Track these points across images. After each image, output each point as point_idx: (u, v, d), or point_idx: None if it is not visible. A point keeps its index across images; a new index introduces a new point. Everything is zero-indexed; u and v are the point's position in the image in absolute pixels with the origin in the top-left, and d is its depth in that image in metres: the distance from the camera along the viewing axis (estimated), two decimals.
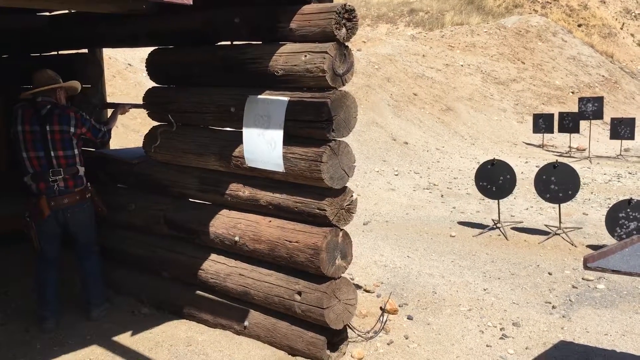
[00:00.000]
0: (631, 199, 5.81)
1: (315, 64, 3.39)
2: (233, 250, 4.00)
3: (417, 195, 8.86)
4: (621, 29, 26.59)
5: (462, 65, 16.94)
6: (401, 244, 6.42)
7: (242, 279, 3.94)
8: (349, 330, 4.01)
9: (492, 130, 14.11)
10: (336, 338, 3.83)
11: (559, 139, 13.96)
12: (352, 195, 3.69)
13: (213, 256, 4.16)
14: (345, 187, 3.64)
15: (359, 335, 4.09)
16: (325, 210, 3.53)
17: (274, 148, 3.62)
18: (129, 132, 8.89)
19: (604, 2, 27.75)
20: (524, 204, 8.27)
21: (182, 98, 4.19)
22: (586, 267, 2.84)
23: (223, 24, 3.88)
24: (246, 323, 3.97)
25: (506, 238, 6.60)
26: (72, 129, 4.13)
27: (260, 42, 3.80)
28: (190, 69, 4.15)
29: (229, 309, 4.11)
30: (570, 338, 4.19)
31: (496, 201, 7.02)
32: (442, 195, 8.88)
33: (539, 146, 13.62)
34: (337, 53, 3.40)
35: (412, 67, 15.32)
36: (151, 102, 4.42)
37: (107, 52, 8.22)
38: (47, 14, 5.17)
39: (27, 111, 4.10)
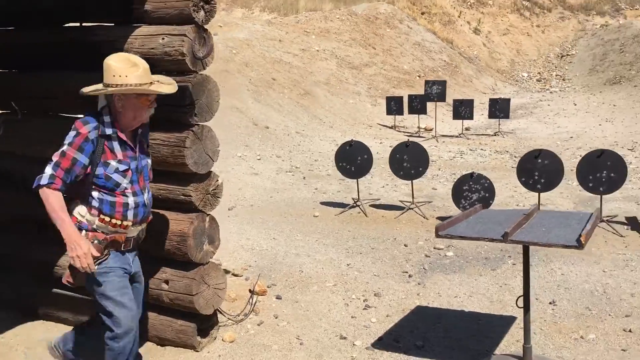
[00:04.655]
0: (473, 172, 6.39)
1: (174, 47, 3.32)
2: None
3: (281, 179, 9.00)
4: (459, 17, 28.79)
5: (317, 50, 17.35)
6: (267, 226, 6.51)
7: None
8: (219, 314, 4.01)
9: (348, 113, 14.67)
10: (206, 324, 3.82)
11: (409, 120, 14.86)
12: (217, 180, 3.67)
13: None
14: (211, 172, 3.62)
15: (229, 319, 4.12)
16: (190, 196, 3.49)
17: None
18: None
19: None
20: (381, 182, 8.75)
21: (29, 83, 3.88)
22: (438, 236, 3.11)
23: (73, 4, 3.65)
24: None
25: (366, 215, 6.95)
26: None
27: (114, 24, 3.64)
28: (36, 51, 3.85)
29: (92, 305, 3.91)
30: (425, 303, 4.55)
31: (355, 180, 7.35)
32: (304, 178, 9.10)
33: (391, 127, 14.41)
34: (196, 36, 3.35)
35: (269, 52, 15.40)
36: None
37: None
38: None
39: None
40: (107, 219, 2.91)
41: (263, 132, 11.48)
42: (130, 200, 2.97)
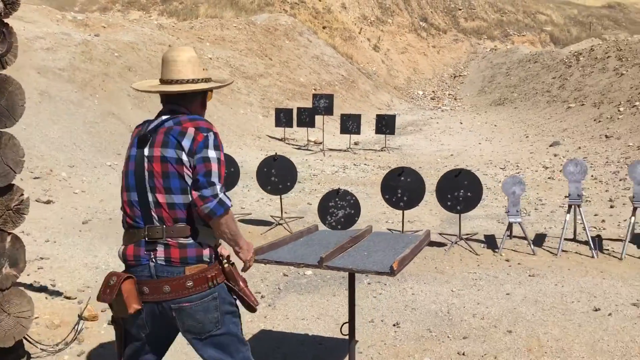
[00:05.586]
0: (339, 189, 6.28)
1: None
2: None
3: None
4: (359, 33, 29.38)
5: (210, 58, 16.91)
6: (120, 242, 6.04)
7: None
8: (31, 345, 3.57)
9: (237, 124, 14.34)
10: (9, 356, 3.36)
11: (300, 133, 14.76)
12: (22, 194, 3.26)
13: None
14: (12, 185, 3.20)
15: (42, 350, 3.68)
16: None
17: None
18: None
19: (345, 8, 30.37)
20: (256, 195, 8.49)
21: None
22: (255, 260, 2.87)
23: None
24: None
25: None
26: (183, 156, 2.40)
27: None
28: None
29: None
30: (270, 326, 4.31)
31: None
32: None
33: (281, 139, 14.23)
34: None
35: (156, 57, 14.76)
36: None
37: None
38: None
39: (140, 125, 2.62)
40: None
41: None
42: None
